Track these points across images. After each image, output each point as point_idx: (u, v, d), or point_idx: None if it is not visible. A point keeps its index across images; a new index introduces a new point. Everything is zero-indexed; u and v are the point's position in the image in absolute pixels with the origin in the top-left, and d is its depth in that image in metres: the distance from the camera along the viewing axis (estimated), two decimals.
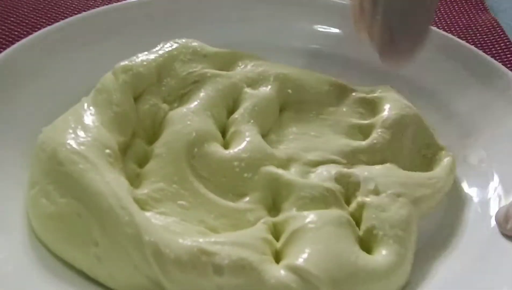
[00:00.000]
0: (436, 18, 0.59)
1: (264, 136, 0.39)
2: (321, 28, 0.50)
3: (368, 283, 0.31)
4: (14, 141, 0.38)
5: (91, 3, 0.58)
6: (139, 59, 0.40)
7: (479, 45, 0.55)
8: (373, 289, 0.31)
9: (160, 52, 0.41)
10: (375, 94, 0.43)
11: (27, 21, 0.54)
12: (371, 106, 0.42)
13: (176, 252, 0.30)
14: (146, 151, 0.37)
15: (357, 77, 0.45)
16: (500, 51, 0.55)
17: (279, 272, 0.30)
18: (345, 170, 0.36)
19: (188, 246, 0.30)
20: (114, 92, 0.38)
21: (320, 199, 0.34)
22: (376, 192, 0.35)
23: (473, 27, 0.58)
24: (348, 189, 0.36)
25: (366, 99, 0.42)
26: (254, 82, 0.41)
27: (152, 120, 0.39)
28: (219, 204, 0.34)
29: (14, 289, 0.30)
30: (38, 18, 0.55)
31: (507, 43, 0.56)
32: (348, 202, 0.35)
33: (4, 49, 0.43)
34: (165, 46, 0.42)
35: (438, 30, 0.50)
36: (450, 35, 0.49)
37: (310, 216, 0.33)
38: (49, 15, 0.55)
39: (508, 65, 0.52)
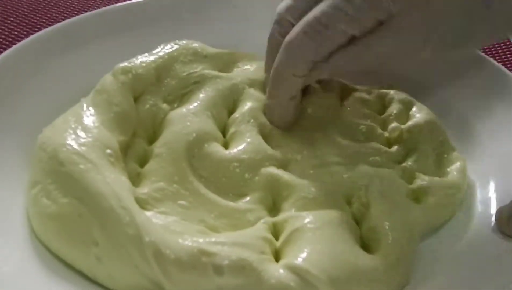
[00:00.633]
0: None
1: (265, 136, 0.39)
2: None
3: (368, 283, 0.31)
4: (14, 141, 0.38)
5: (91, 3, 0.58)
6: (139, 61, 0.40)
7: None
8: (373, 289, 0.31)
9: (160, 53, 0.41)
10: (380, 93, 0.43)
11: (27, 21, 0.54)
12: (375, 106, 0.43)
13: (176, 252, 0.30)
14: (146, 151, 0.37)
15: None
16: (500, 51, 0.55)
17: (279, 271, 0.30)
18: (348, 172, 0.36)
19: (188, 247, 0.30)
20: (114, 93, 0.38)
21: (321, 199, 0.34)
22: (384, 195, 0.35)
23: None
24: (350, 190, 0.36)
25: (369, 99, 0.43)
26: (254, 83, 0.41)
27: (152, 120, 0.39)
28: (219, 204, 0.34)
29: (14, 289, 0.30)
30: (38, 18, 0.55)
31: (507, 43, 0.56)
32: (349, 203, 0.35)
33: (4, 49, 0.43)
34: (166, 47, 0.42)
35: None
36: None
37: (310, 216, 0.33)
38: (49, 15, 0.55)
39: (508, 65, 0.52)
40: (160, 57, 0.41)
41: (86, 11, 0.55)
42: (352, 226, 0.33)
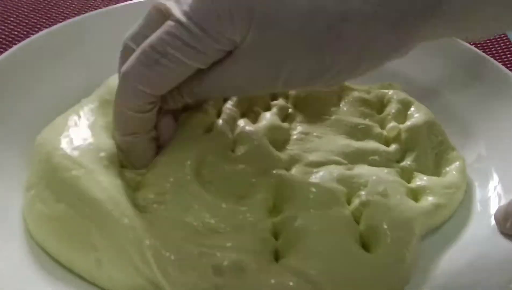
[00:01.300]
0: None
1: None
2: None
3: (367, 283, 0.31)
4: (14, 141, 0.38)
5: (91, 3, 0.58)
6: None
7: (479, 45, 0.55)
8: (373, 289, 0.31)
9: None
10: (379, 93, 0.43)
11: (27, 21, 0.54)
12: (374, 105, 0.43)
13: (176, 254, 0.30)
14: None
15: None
16: (500, 51, 0.55)
17: (279, 272, 0.30)
18: (348, 172, 0.36)
19: (188, 248, 0.30)
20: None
21: (321, 199, 0.34)
22: (384, 194, 0.35)
23: None
24: (350, 189, 0.36)
25: (368, 99, 0.43)
26: None
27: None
28: (220, 204, 0.34)
29: None
30: (38, 18, 0.55)
31: (507, 43, 0.56)
32: (349, 202, 0.35)
33: (4, 49, 0.43)
34: None
35: None
36: None
37: (311, 216, 0.33)
38: (49, 15, 0.55)
39: (508, 65, 0.52)
40: None
41: (86, 11, 0.55)
42: (352, 225, 0.33)
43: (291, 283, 0.30)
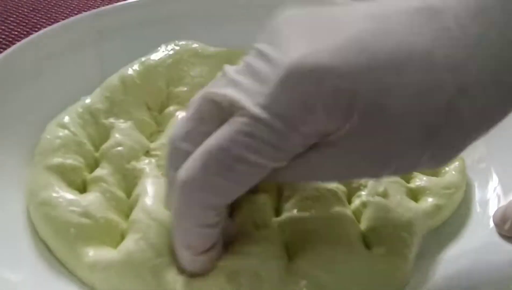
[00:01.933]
0: None
1: None
2: None
3: (368, 283, 0.31)
4: (14, 141, 0.38)
5: (91, 3, 0.58)
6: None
7: None
8: (373, 289, 0.31)
9: (168, 61, 0.42)
10: None
11: (27, 21, 0.54)
12: None
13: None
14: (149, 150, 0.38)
15: None
16: None
17: (280, 272, 0.30)
18: None
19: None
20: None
21: (322, 199, 0.34)
22: (384, 194, 0.35)
23: None
24: (350, 190, 0.36)
25: None
26: None
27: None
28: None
29: None
30: (38, 18, 0.55)
31: None
32: (349, 202, 0.35)
33: (4, 49, 0.43)
34: (167, 48, 0.42)
35: None
36: None
37: (312, 217, 0.33)
38: (49, 15, 0.55)
39: None
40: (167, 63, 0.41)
41: (86, 11, 0.55)
42: (353, 225, 0.33)
43: (291, 284, 0.30)
